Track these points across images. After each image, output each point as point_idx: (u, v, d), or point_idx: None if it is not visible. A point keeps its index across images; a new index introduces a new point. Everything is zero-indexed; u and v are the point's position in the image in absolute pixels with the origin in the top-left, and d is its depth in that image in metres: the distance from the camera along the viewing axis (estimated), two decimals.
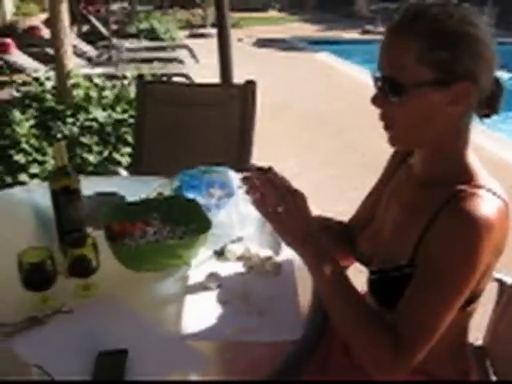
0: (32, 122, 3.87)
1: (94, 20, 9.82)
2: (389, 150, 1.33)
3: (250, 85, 2.43)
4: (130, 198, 1.75)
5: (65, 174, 1.51)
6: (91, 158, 3.81)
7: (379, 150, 4.82)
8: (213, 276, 1.39)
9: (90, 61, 7.17)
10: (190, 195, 1.72)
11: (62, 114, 4.10)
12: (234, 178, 1.75)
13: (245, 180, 1.12)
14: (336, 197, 3.99)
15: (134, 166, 2.54)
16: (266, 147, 4.62)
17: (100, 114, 4.10)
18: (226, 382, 1.12)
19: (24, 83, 4.83)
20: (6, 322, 1.23)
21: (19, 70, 5.85)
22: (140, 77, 2.61)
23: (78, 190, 1.54)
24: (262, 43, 13.40)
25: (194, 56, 8.77)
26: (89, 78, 4.89)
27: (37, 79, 4.74)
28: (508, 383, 1.41)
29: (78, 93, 4.31)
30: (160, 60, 7.25)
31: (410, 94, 1.06)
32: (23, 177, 3.49)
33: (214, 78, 3.81)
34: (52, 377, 1.06)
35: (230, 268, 1.45)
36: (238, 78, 3.77)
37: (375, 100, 1.11)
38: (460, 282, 1.04)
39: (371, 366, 1.09)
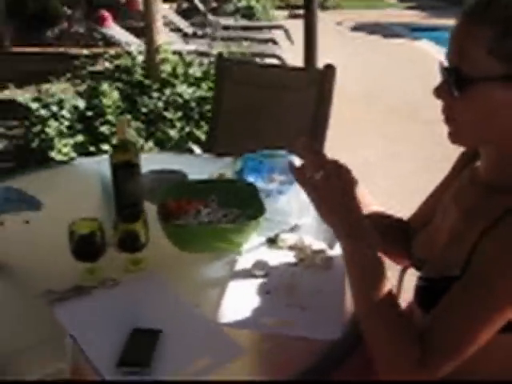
0: (118, 94, 3.97)
1: None
2: None
3: (329, 70, 2.35)
4: (193, 177, 1.74)
5: (125, 148, 1.52)
6: (173, 133, 3.86)
7: None
8: (260, 264, 1.36)
9: (185, 37, 7.27)
10: (252, 179, 1.69)
11: (148, 88, 4.18)
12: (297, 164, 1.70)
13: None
14: (417, 193, 3.84)
15: (208, 145, 2.54)
16: (347, 136, 4.53)
17: (185, 90, 4.14)
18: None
19: (117, 56, 4.96)
20: (53, 289, 1.25)
21: (114, 43, 6.02)
22: (220, 55, 2.58)
23: (138, 164, 1.54)
24: (362, 28, 13.09)
25: (289, 37, 8.70)
26: (179, 53, 4.95)
27: (129, 53, 4.86)
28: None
29: (166, 68, 4.37)
30: (254, 40, 7.24)
31: (475, 89, 0.97)
32: (106, 147, 3.60)
33: None
34: (83, 351, 1.07)
35: (279, 257, 1.41)
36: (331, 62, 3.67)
37: (437, 91, 1.02)
38: (505, 300, 0.94)
39: (387, 366, 1.00)
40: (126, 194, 1.55)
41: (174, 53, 4.81)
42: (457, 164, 1.27)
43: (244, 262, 1.39)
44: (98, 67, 5.17)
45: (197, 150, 2.56)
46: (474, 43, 0.95)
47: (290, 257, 1.42)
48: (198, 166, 1.97)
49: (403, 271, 1.47)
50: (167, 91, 4.17)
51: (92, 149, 3.62)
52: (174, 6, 9.74)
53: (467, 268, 0.99)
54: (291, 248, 1.46)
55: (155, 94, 4.12)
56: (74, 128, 3.75)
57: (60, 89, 4.10)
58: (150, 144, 3.78)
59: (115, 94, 3.86)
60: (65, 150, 3.56)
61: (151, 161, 1.97)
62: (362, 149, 4.57)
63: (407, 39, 11.51)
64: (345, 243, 1.02)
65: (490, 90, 0.96)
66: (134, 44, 5.45)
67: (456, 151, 1.25)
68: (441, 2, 18.68)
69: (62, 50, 7.36)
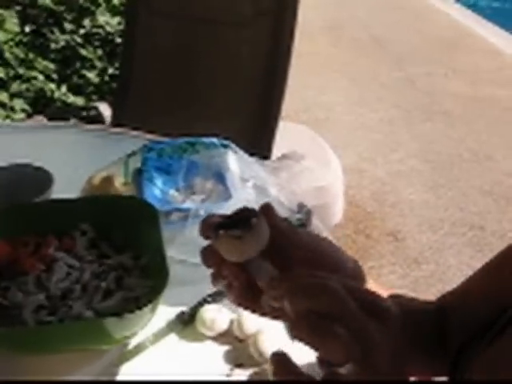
0: (19, 26, 3.12)
1: None
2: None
3: None
4: (60, 177, 1.02)
5: None
6: (92, 75, 3.09)
7: (444, 91, 3.94)
8: None
9: None
10: (158, 185, 1.00)
11: (61, 18, 3.33)
12: (236, 165, 1.00)
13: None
14: (391, 146, 3.21)
15: (115, 110, 1.81)
16: (306, 75, 3.81)
17: (108, 21, 3.32)
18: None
19: None
20: None
21: None
22: None
23: None
24: None
25: None
26: None
27: None
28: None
29: None
30: None
31: None
32: (3, 97, 2.80)
33: None
34: None
35: (197, 360, 0.75)
36: None
37: None
38: None
39: None
40: None
41: None
42: None
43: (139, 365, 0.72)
44: None
45: (105, 111, 1.83)
46: None
47: (219, 361, 0.76)
48: (81, 153, 1.27)
49: None
50: (85, 22, 3.34)
51: None
52: None
53: None
54: (222, 336, 0.79)
55: (70, 26, 3.28)
56: None
57: None
58: (64, 90, 3.00)
59: (14, 26, 3.02)
60: None
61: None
62: (327, 92, 3.89)
63: None
64: None
65: None
66: None
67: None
68: None
69: None
